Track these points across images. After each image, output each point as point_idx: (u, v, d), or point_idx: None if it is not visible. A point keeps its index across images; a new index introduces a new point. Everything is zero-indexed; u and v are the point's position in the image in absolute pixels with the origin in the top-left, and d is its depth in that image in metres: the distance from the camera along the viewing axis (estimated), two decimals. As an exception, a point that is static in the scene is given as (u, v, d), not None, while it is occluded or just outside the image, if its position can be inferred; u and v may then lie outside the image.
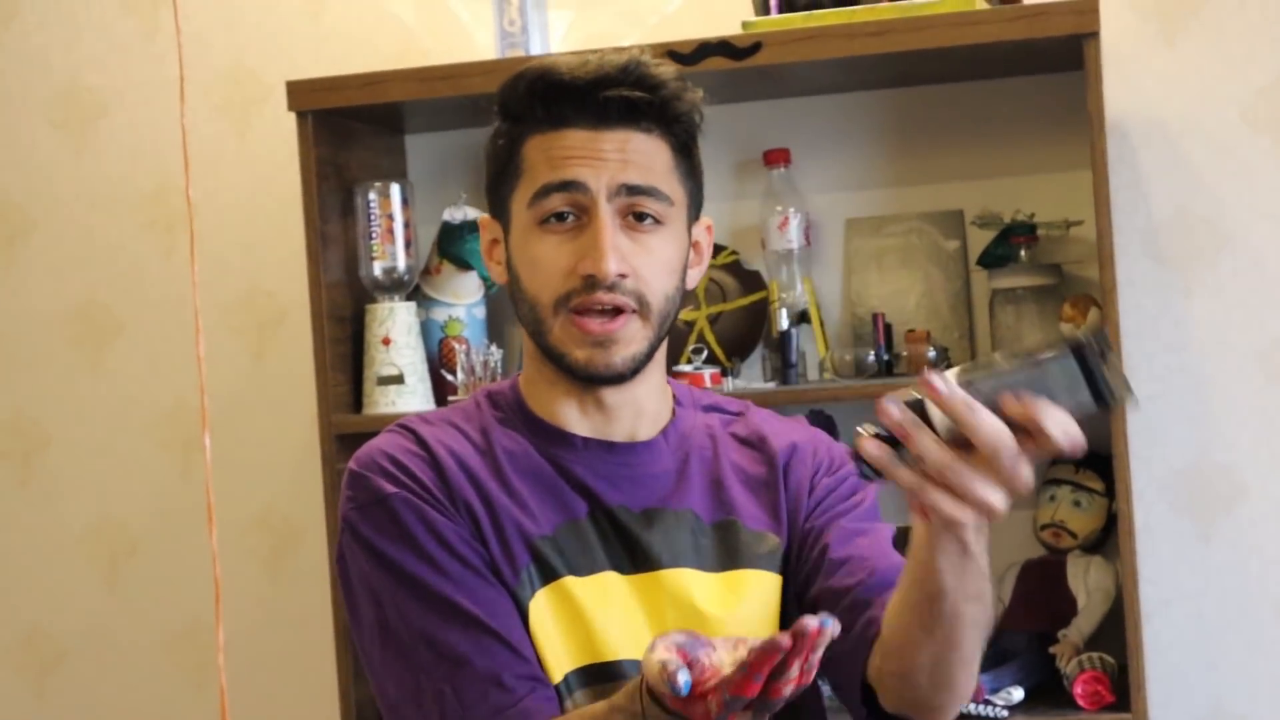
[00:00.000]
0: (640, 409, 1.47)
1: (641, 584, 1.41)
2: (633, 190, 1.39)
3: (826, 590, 1.44)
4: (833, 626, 1.14)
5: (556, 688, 1.41)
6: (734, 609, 1.44)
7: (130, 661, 2.64)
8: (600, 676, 1.40)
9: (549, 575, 1.41)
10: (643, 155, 1.41)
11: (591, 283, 1.38)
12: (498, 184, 1.46)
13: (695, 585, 1.42)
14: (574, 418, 1.46)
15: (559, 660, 1.40)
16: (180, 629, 2.62)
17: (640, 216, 1.39)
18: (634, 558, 1.42)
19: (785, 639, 1.12)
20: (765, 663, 1.14)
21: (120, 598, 2.64)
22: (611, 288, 1.38)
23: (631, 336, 1.40)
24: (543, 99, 1.40)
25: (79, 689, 2.67)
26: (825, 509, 1.49)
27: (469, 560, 1.41)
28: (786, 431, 1.54)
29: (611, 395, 1.45)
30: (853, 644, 1.39)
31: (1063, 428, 1.13)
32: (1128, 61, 2.29)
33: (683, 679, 1.16)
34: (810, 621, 1.11)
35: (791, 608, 1.48)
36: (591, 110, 1.40)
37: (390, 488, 1.42)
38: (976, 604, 1.30)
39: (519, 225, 1.43)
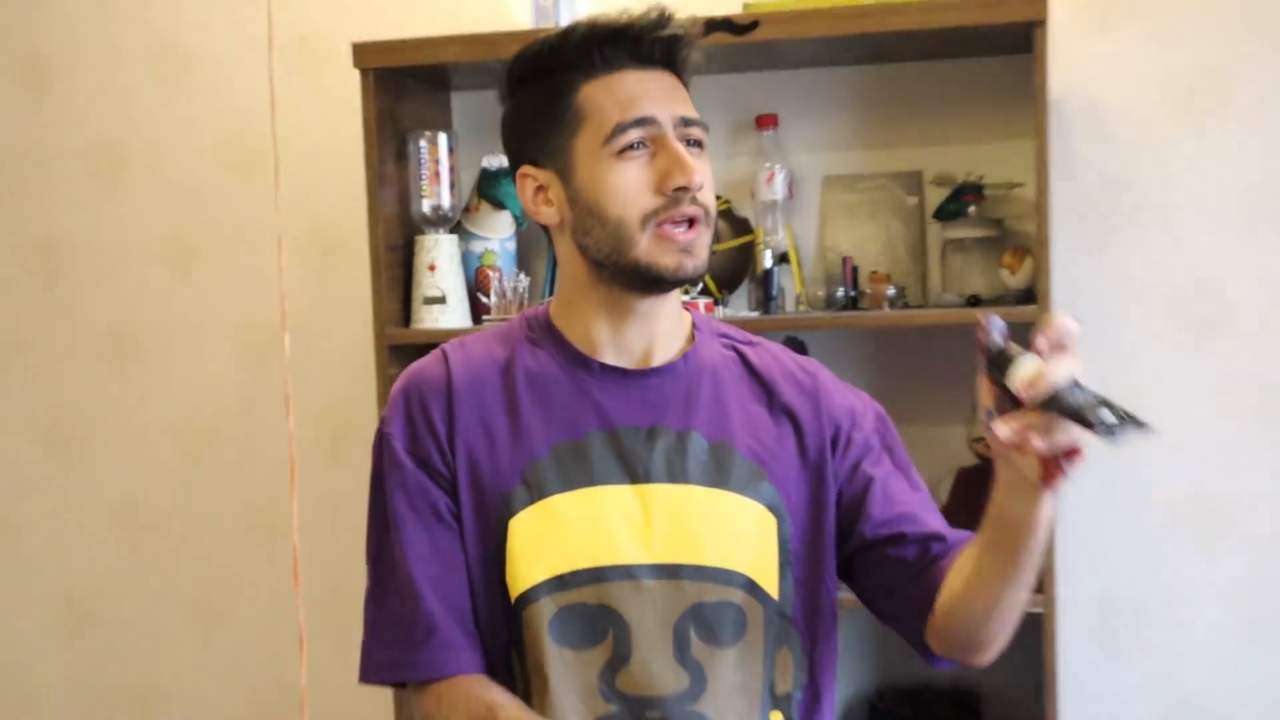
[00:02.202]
0: (658, 326, 1.44)
1: (640, 494, 1.40)
2: (688, 121, 1.38)
3: (886, 540, 1.41)
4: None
5: (525, 594, 1.39)
6: (717, 524, 1.41)
7: (212, 533, 2.68)
8: (570, 584, 1.40)
9: (536, 495, 1.40)
10: (681, 91, 1.40)
11: (678, 197, 1.36)
12: (547, 132, 1.40)
13: (686, 499, 1.41)
14: (602, 337, 1.43)
15: (531, 571, 1.39)
16: (255, 505, 2.65)
17: (692, 141, 1.38)
18: (635, 471, 1.40)
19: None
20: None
21: (204, 477, 2.69)
22: (693, 200, 1.37)
23: (703, 244, 1.39)
24: (599, 46, 1.37)
25: (167, 554, 2.72)
26: (856, 462, 1.45)
27: (421, 511, 1.42)
28: (800, 380, 1.48)
29: (644, 305, 1.42)
30: (919, 591, 1.38)
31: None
32: (1069, 48, 2.28)
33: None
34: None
35: (804, 545, 1.43)
36: (640, 53, 1.38)
37: (392, 428, 1.43)
38: (1026, 590, 1.28)
39: (589, 162, 1.39)
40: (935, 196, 2.29)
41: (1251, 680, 2.31)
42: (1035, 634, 2.07)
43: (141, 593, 2.71)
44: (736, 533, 1.39)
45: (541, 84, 1.38)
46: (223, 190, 2.60)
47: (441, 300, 2.25)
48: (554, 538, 1.38)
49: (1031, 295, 2.13)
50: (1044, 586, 2.06)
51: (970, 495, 2.24)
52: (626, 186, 1.35)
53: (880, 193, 2.33)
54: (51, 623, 2.76)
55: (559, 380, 1.41)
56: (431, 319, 2.25)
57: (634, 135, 1.34)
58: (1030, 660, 2.10)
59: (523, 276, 2.27)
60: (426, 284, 2.26)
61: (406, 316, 2.30)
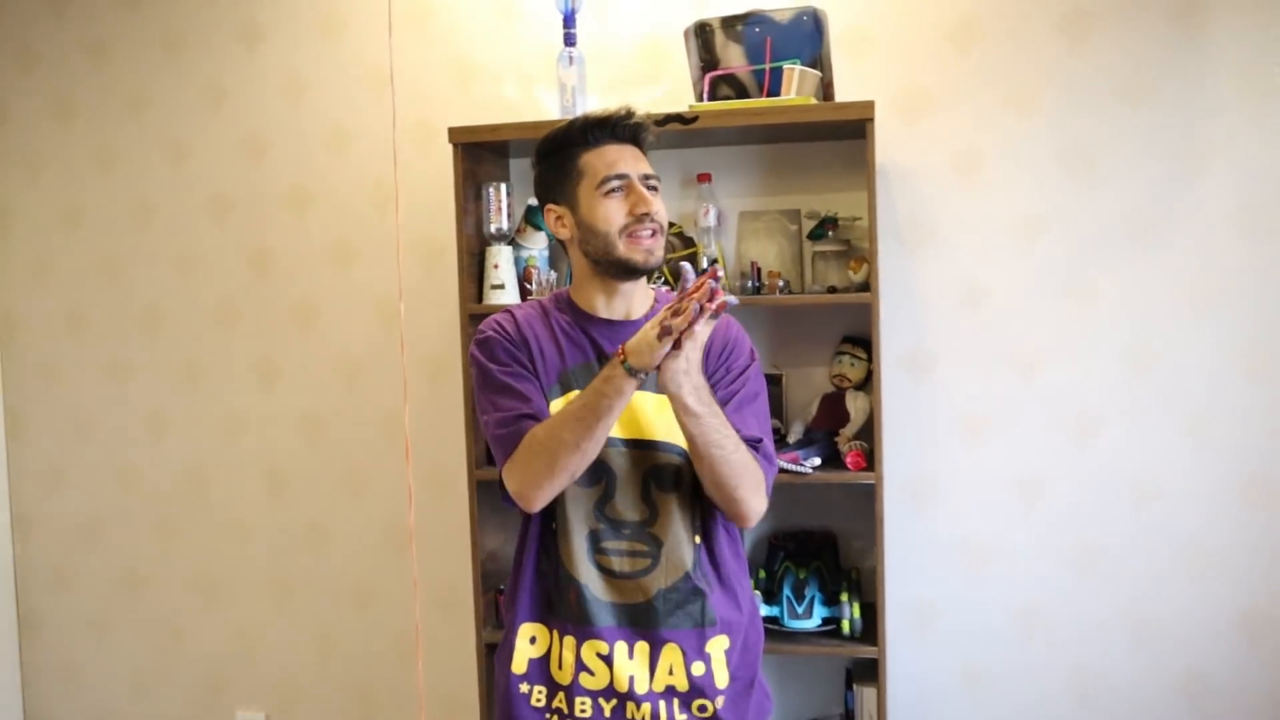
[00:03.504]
0: (633, 298, 1.55)
1: None
2: (647, 176, 1.52)
3: None
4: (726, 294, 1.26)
5: None
6: (666, 417, 1.50)
7: (356, 427, 2.79)
8: None
9: (566, 388, 1.51)
10: (642, 157, 1.53)
11: (642, 217, 1.46)
12: (562, 184, 1.51)
13: (647, 400, 1.52)
14: (600, 304, 1.54)
15: None
16: (383, 410, 2.81)
17: (650, 187, 1.51)
18: None
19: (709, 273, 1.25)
20: (696, 290, 1.24)
21: (353, 393, 2.81)
22: (652, 219, 1.47)
23: (659, 247, 1.50)
24: (593, 129, 1.51)
25: (329, 440, 2.81)
26: (721, 376, 1.53)
27: (520, 372, 1.52)
28: (719, 331, 1.56)
29: (625, 286, 1.52)
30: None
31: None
32: (887, 135, 2.46)
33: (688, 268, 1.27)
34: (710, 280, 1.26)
35: None
36: (617, 133, 1.51)
37: (492, 334, 1.56)
38: (718, 449, 1.36)
39: (588, 199, 1.48)
40: (808, 225, 2.48)
41: (999, 524, 2.54)
42: (869, 496, 2.35)
43: (315, 473, 2.82)
44: (672, 424, 1.49)
45: (558, 154, 1.54)
46: (368, 216, 2.76)
47: (501, 287, 2.41)
48: None
49: (867, 286, 2.31)
50: (875, 467, 2.30)
51: (830, 409, 2.51)
52: (610, 213, 1.49)
53: (774, 222, 2.47)
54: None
55: (575, 329, 1.55)
56: (495, 298, 2.43)
57: (614, 183, 1.49)
58: (867, 513, 2.39)
59: (551, 273, 2.47)
60: (492, 276, 2.41)
61: (479, 296, 2.45)
